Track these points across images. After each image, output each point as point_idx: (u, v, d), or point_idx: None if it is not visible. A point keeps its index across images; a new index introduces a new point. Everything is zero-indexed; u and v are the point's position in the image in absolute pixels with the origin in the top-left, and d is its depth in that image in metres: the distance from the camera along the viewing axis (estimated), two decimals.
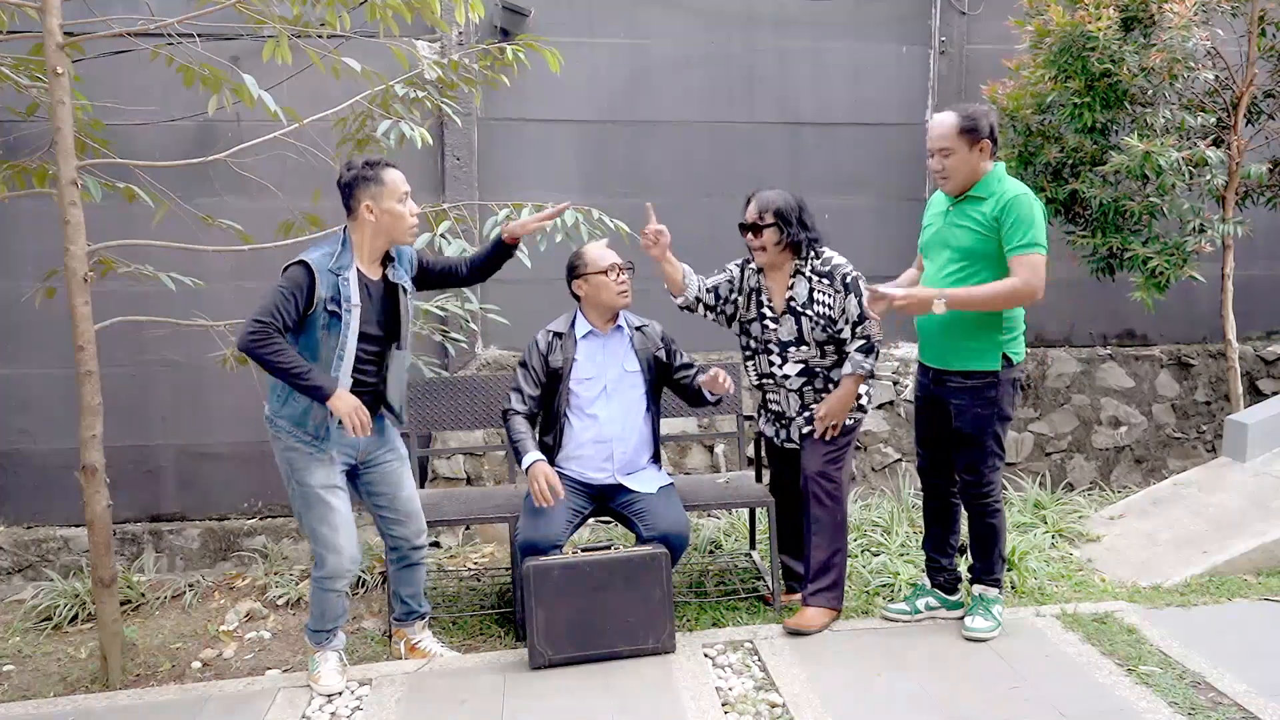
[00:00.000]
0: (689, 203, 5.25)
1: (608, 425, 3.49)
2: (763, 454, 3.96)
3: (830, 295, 3.41)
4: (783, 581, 3.79)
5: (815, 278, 3.43)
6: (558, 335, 3.55)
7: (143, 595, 4.14)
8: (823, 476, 3.48)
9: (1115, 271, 4.75)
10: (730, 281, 3.58)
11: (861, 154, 5.38)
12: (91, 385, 3.23)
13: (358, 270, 3.04)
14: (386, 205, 3.02)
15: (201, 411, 4.95)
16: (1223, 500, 4.41)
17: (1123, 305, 5.06)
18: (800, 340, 3.47)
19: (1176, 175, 4.23)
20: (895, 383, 5.36)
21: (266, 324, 2.87)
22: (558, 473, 3.49)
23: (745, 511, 4.44)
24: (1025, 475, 5.30)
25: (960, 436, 3.34)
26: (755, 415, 3.84)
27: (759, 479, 4.06)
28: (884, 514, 4.60)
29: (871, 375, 3.48)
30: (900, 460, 5.33)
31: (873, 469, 5.33)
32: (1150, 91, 4.39)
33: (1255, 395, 5.56)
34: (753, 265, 3.55)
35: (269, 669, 3.52)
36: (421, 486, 4.26)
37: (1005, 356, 3.25)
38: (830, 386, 3.51)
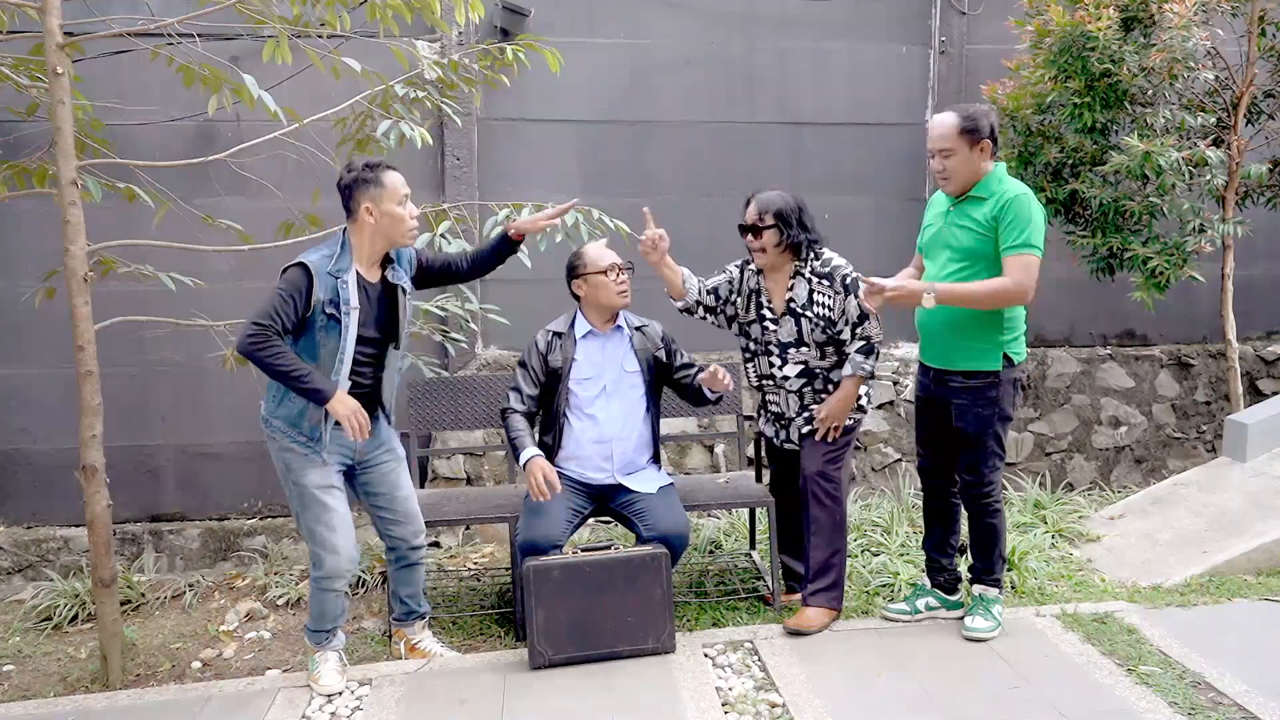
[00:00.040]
0: (689, 203, 5.25)
1: (607, 425, 3.49)
2: (763, 454, 3.96)
3: (830, 297, 3.41)
4: (783, 581, 3.79)
5: (815, 279, 3.43)
6: (557, 335, 3.55)
7: (143, 595, 4.14)
8: (822, 476, 3.48)
9: (1115, 271, 4.75)
10: (730, 282, 3.58)
11: (861, 154, 5.38)
12: (91, 385, 3.22)
13: (356, 272, 3.04)
14: (386, 208, 3.02)
15: (201, 411, 4.95)
16: (1223, 500, 4.41)
17: (1123, 305, 5.06)
18: (800, 341, 3.47)
19: (1176, 175, 4.23)
20: (895, 383, 5.36)
21: (265, 327, 2.87)
22: (557, 472, 3.49)
23: (745, 511, 4.44)
24: (1025, 475, 5.30)
25: (961, 436, 3.34)
26: (755, 415, 3.84)
27: (759, 479, 4.06)
28: (884, 514, 4.60)
29: (872, 376, 3.48)
30: (900, 460, 5.33)
31: (873, 469, 5.33)
32: (1150, 91, 4.39)
33: (1255, 395, 5.56)
34: (752, 266, 3.55)
35: (269, 669, 3.52)
36: (421, 486, 4.26)
37: (1006, 356, 3.25)
38: (830, 387, 3.51)
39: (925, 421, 3.51)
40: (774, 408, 3.63)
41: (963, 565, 3.64)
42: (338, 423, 2.99)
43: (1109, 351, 5.65)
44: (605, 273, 3.45)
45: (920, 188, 5.39)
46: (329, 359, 3.00)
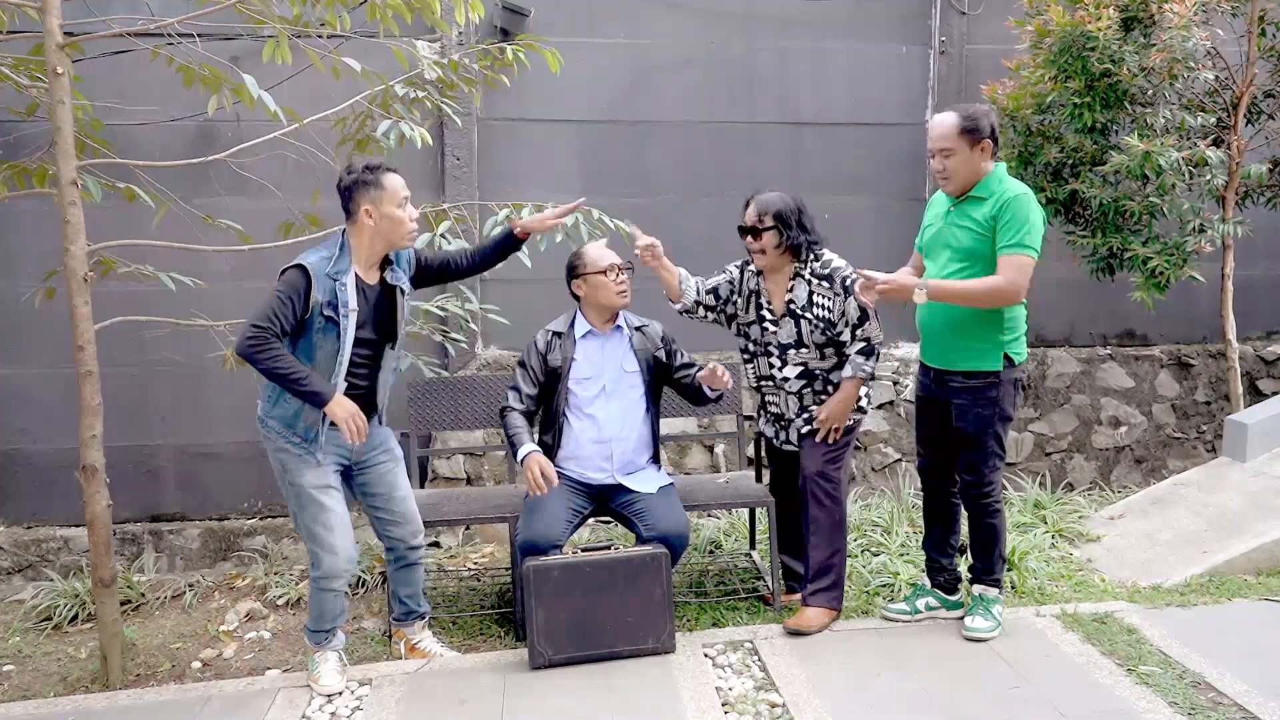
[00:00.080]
0: (689, 203, 5.25)
1: (607, 425, 3.49)
2: (763, 454, 3.96)
3: (830, 298, 3.41)
4: (783, 581, 3.79)
5: (815, 280, 3.43)
6: (557, 335, 3.56)
7: (143, 595, 4.14)
8: (822, 477, 3.47)
9: (1115, 271, 4.75)
10: (730, 283, 3.58)
11: (861, 154, 5.38)
12: (91, 385, 3.22)
13: (355, 274, 3.04)
14: (386, 210, 3.02)
15: (201, 411, 4.95)
16: (1223, 500, 4.41)
17: (1123, 305, 5.06)
18: (799, 343, 3.47)
19: (1176, 175, 4.23)
20: (895, 383, 5.36)
21: (264, 329, 2.87)
22: (557, 472, 3.50)
23: (745, 511, 4.44)
24: (1025, 475, 5.30)
25: (961, 436, 3.34)
26: (755, 415, 3.84)
27: (759, 479, 4.06)
28: (884, 514, 4.60)
29: (872, 378, 3.47)
30: (900, 460, 5.33)
31: (873, 469, 5.33)
32: (1150, 91, 4.39)
33: (1255, 395, 5.56)
34: (752, 267, 3.55)
35: (269, 669, 3.52)
36: (421, 486, 4.26)
37: (1007, 357, 3.25)
38: (830, 388, 3.51)
39: (925, 421, 3.51)
40: (773, 409, 3.63)
41: (963, 565, 3.64)
42: (334, 423, 2.99)
43: (1109, 351, 5.65)
44: (605, 273, 3.45)
45: (920, 188, 5.39)
46: (326, 361, 3.00)
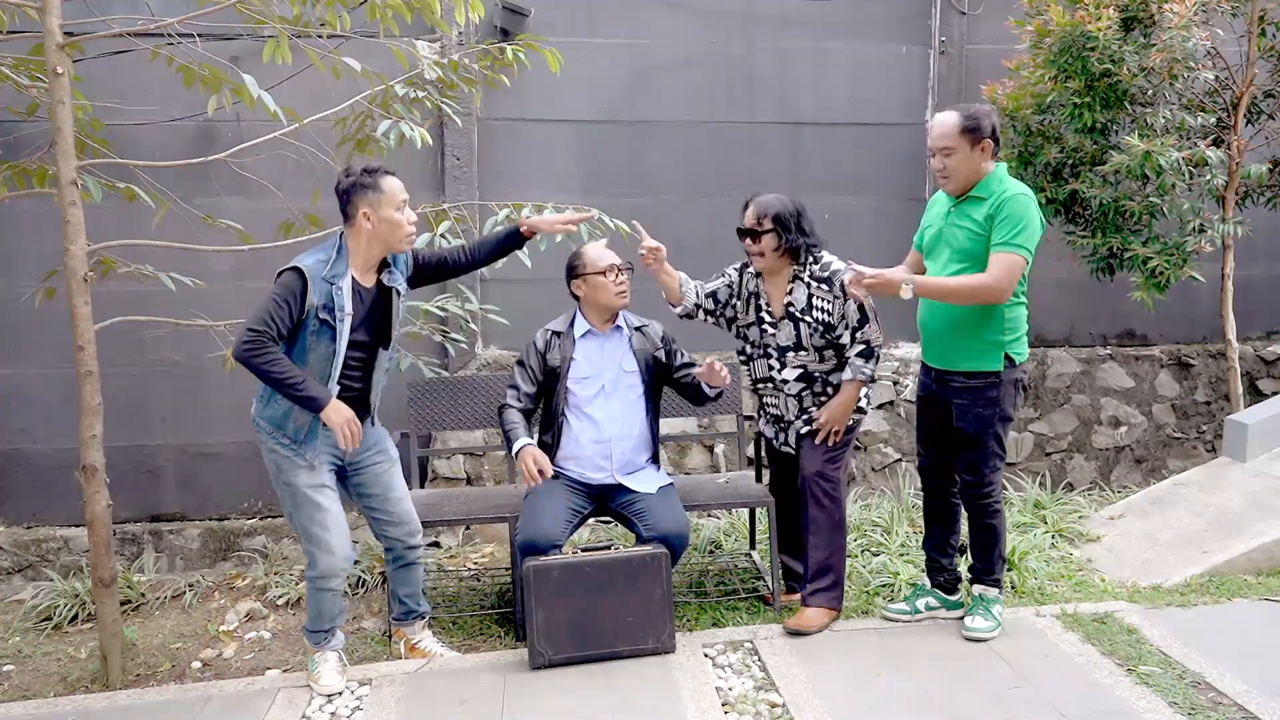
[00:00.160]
0: (689, 203, 5.25)
1: (606, 425, 3.49)
2: (763, 454, 3.96)
3: (829, 301, 3.41)
4: (783, 581, 3.79)
5: (814, 283, 3.43)
6: (556, 334, 3.56)
7: (143, 595, 4.14)
8: (821, 477, 3.47)
9: (1115, 271, 4.75)
10: (729, 285, 3.58)
11: (861, 154, 5.38)
12: (91, 385, 3.22)
13: (352, 277, 3.03)
14: (384, 213, 3.01)
15: (201, 411, 4.95)
16: (1223, 500, 4.41)
17: (1123, 305, 5.07)
18: (798, 345, 3.47)
19: (1176, 175, 4.23)
20: (895, 383, 5.36)
21: (261, 333, 2.87)
22: (557, 472, 3.50)
23: (745, 511, 4.44)
24: (1025, 475, 5.30)
25: (961, 436, 3.34)
26: (755, 415, 3.84)
27: (759, 479, 4.06)
28: (884, 514, 4.60)
29: (872, 380, 3.47)
30: (900, 460, 5.33)
31: (873, 469, 5.33)
32: (1150, 91, 4.39)
33: (1255, 395, 5.56)
34: (751, 269, 3.54)
35: (269, 669, 3.52)
36: (421, 486, 4.26)
37: (1008, 357, 3.24)
38: (829, 390, 3.51)
39: (926, 421, 3.51)
40: (772, 410, 3.62)
41: (963, 565, 3.64)
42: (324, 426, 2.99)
43: (1109, 351, 5.65)
44: (604, 273, 3.45)
45: (920, 188, 5.39)
46: (320, 364, 3.00)
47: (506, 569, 4.23)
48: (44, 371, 4.82)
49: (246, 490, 4.98)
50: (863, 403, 3.53)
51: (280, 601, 4.10)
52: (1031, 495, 4.92)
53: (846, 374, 3.43)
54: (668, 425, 4.81)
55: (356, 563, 4.22)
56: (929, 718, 2.88)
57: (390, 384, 3.40)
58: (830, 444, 3.48)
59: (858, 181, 5.39)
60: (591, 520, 3.72)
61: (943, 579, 3.57)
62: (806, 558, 3.53)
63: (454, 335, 4.50)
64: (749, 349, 3.60)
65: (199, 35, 3.77)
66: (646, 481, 3.52)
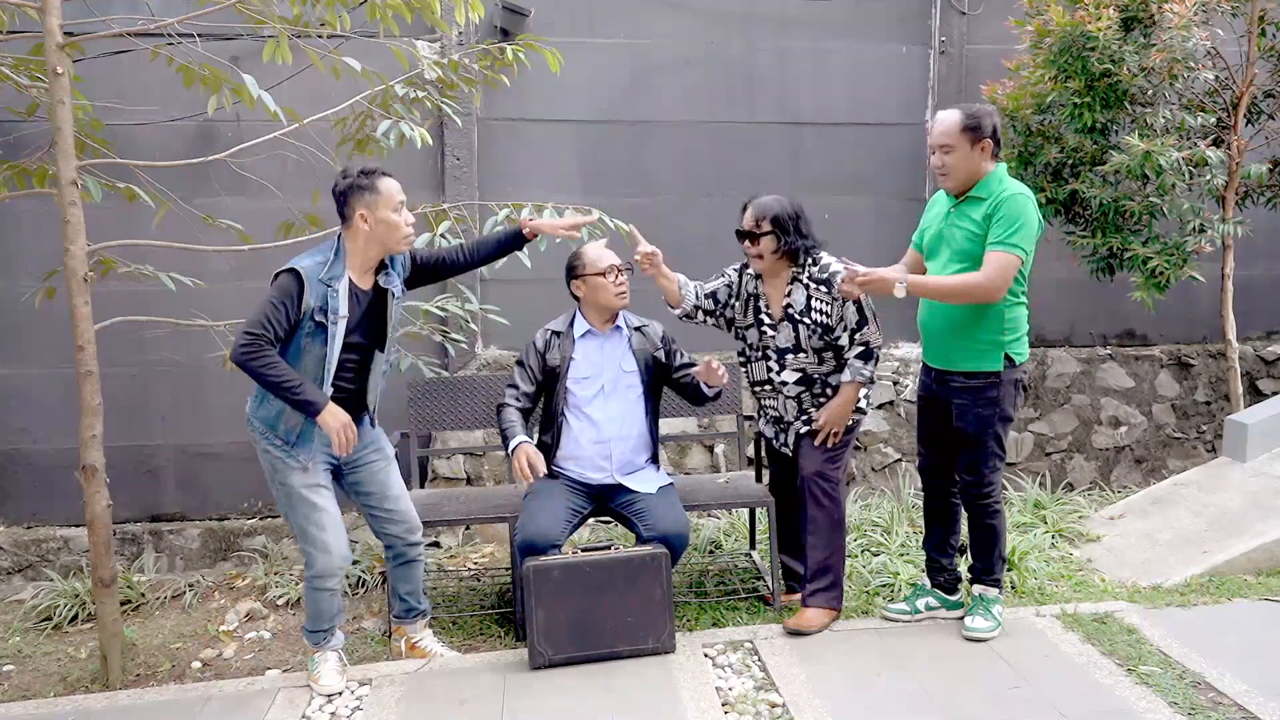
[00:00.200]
0: (689, 203, 5.25)
1: (606, 425, 3.49)
2: (763, 454, 3.96)
3: (828, 303, 3.40)
4: (783, 581, 3.79)
5: (813, 285, 3.42)
6: (556, 334, 3.56)
7: (143, 595, 4.15)
8: (820, 477, 3.47)
9: (1115, 271, 4.75)
10: (729, 286, 3.58)
11: (861, 154, 5.38)
12: (91, 385, 3.22)
13: (349, 279, 3.03)
14: (382, 214, 3.01)
15: (201, 411, 4.95)
16: (1223, 500, 4.41)
17: (1123, 305, 5.07)
18: (797, 347, 3.46)
19: (1176, 175, 4.23)
20: (895, 383, 5.36)
21: (258, 336, 2.86)
22: (557, 472, 3.50)
23: (745, 511, 4.44)
24: (1025, 475, 5.30)
25: (961, 436, 3.34)
26: (755, 415, 3.84)
27: (759, 479, 4.06)
28: (884, 514, 4.60)
29: (871, 382, 3.47)
30: (900, 460, 5.33)
31: (873, 469, 5.33)
32: (1150, 91, 4.39)
33: (1255, 395, 5.56)
34: (750, 270, 3.54)
35: (269, 669, 3.52)
36: (421, 486, 4.26)
37: (1008, 357, 3.24)
38: (828, 392, 3.50)
39: (926, 421, 3.51)
40: (772, 412, 3.62)
41: (963, 565, 3.64)
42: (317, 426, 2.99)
43: (1109, 351, 5.65)
44: (604, 274, 3.45)
45: (920, 188, 5.39)
46: (314, 366, 2.99)
47: (506, 569, 4.23)
48: (44, 371, 4.82)
49: (246, 490, 4.98)
50: (862, 403, 3.52)
51: (280, 601, 4.10)
52: (1031, 495, 4.92)
53: (845, 375, 3.43)
54: (668, 425, 4.81)
55: (356, 562, 4.23)
56: (929, 718, 2.88)
57: (390, 384, 3.40)
58: (829, 445, 3.48)
59: (858, 181, 5.39)
60: (591, 520, 3.72)
61: (943, 579, 3.57)
62: (806, 558, 3.53)
63: (454, 335, 4.51)
64: (748, 350, 3.60)
65: (199, 35, 3.77)
66: (646, 481, 3.52)
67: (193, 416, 4.96)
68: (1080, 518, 4.68)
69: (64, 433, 4.61)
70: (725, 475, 4.26)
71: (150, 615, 4.05)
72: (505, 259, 3.48)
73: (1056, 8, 4.37)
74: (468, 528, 4.86)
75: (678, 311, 3.60)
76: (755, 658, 3.29)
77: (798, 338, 3.45)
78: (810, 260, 3.44)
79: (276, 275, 2.97)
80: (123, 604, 3.93)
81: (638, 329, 3.60)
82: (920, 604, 3.56)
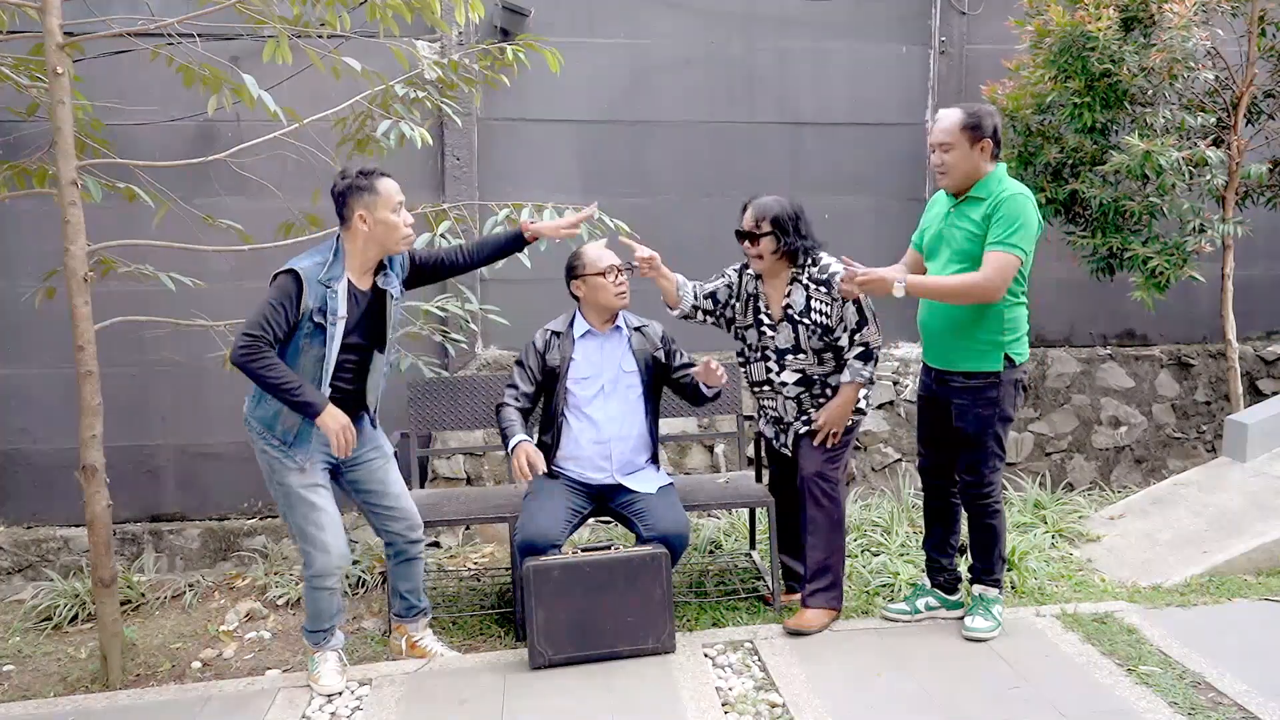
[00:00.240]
0: (689, 203, 5.25)
1: (606, 425, 3.49)
2: (763, 454, 3.96)
3: (827, 304, 3.40)
4: (783, 581, 3.79)
5: (812, 285, 3.42)
6: (556, 334, 3.56)
7: (143, 595, 4.15)
8: (820, 477, 3.47)
9: (1115, 271, 4.75)
10: (729, 286, 3.58)
11: (861, 154, 5.38)
12: (91, 385, 3.23)
13: (348, 280, 3.03)
14: (380, 215, 3.00)
15: (201, 411, 4.95)
16: (1223, 500, 4.41)
17: (1123, 305, 5.07)
18: (797, 348, 3.46)
19: (1176, 175, 4.23)
20: (895, 383, 5.36)
21: (257, 338, 2.86)
22: (557, 472, 3.50)
23: (745, 511, 4.44)
24: (1025, 475, 5.29)
25: (961, 436, 3.34)
26: (755, 415, 3.84)
27: (759, 479, 4.06)
28: (884, 514, 4.60)
29: (870, 383, 3.47)
30: (900, 460, 5.33)
31: (873, 469, 5.33)
32: (1150, 91, 4.39)
33: (1255, 395, 5.56)
34: (750, 271, 3.54)
35: (269, 669, 3.52)
36: (421, 486, 4.26)
37: (1008, 357, 3.24)
38: (828, 392, 3.50)
39: (926, 421, 3.51)
40: (771, 413, 3.62)
41: (963, 565, 3.64)
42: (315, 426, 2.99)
43: (1109, 351, 5.65)
44: (604, 274, 3.45)
45: (920, 188, 5.39)
46: (311, 366, 2.99)
47: (506, 569, 4.23)
48: (44, 371, 4.82)
49: (246, 490, 4.98)
50: (862, 404, 3.52)
51: (280, 601, 4.10)
52: (1031, 495, 4.92)
53: (845, 376, 3.43)
54: (668, 425, 4.81)
55: (356, 562, 4.23)
56: (929, 718, 2.88)
57: (390, 384, 3.40)
58: (829, 445, 3.48)
59: (858, 181, 5.39)
60: (591, 520, 3.72)
61: (943, 579, 3.57)
62: (806, 558, 3.53)
63: (454, 335, 4.51)
64: (747, 351, 3.60)
65: (199, 35, 3.77)
66: (646, 481, 3.52)
67: (193, 416, 4.96)
68: (1080, 518, 4.68)
69: (64, 433, 4.61)
70: (725, 475, 4.26)
71: (150, 615, 4.05)
72: (505, 259, 3.48)
73: (1056, 8, 4.37)
74: (468, 528, 4.86)
75: (676, 312, 3.60)
76: (755, 658, 3.29)
77: (797, 338, 3.45)
78: (810, 261, 3.44)
79: (275, 276, 2.96)
80: (123, 604, 3.93)
81: (637, 329, 3.60)
82: (920, 604, 3.56)
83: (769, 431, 3.69)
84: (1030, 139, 4.77)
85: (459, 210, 4.34)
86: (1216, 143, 4.47)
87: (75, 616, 3.98)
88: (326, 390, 3.01)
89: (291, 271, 2.94)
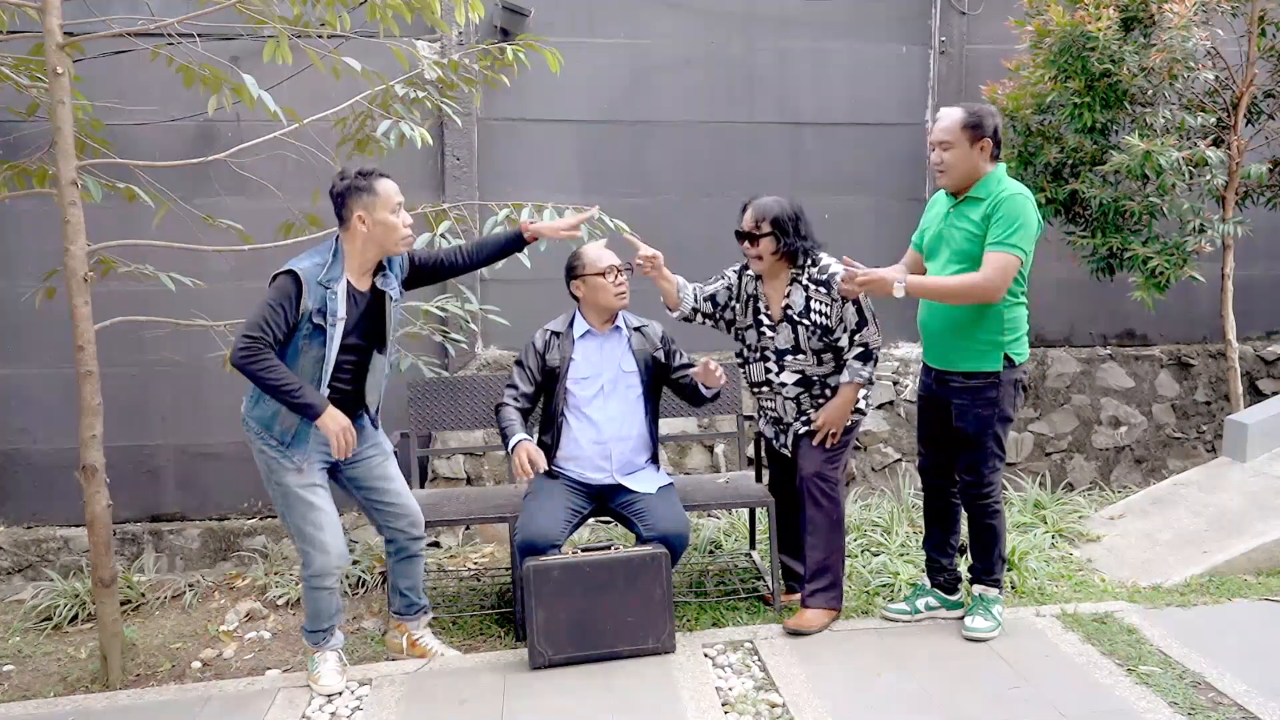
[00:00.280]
0: (689, 203, 5.25)
1: (605, 425, 3.49)
2: (762, 454, 3.96)
3: (827, 305, 3.40)
4: (783, 581, 3.79)
5: (812, 286, 3.42)
6: (555, 334, 3.56)
7: (143, 595, 4.15)
8: (819, 477, 3.47)
9: (1115, 271, 4.75)
10: (728, 288, 3.58)
11: (861, 154, 5.38)
12: (91, 385, 3.23)
13: (347, 281, 3.03)
14: (379, 216, 3.00)
15: (201, 411, 4.95)
16: (1223, 500, 4.41)
17: (1123, 305, 5.07)
18: (796, 348, 3.46)
19: (1176, 175, 4.23)
20: (895, 383, 5.36)
21: (257, 339, 2.86)
22: (557, 472, 3.50)
23: (745, 511, 4.44)
24: (1025, 475, 5.29)
25: (961, 436, 3.34)
26: (755, 415, 3.84)
27: (759, 479, 4.06)
28: (884, 514, 4.60)
29: (870, 383, 3.47)
30: (900, 460, 5.33)
31: (873, 469, 5.33)
32: (1150, 91, 4.39)
33: (1255, 395, 5.56)
34: (750, 271, 3.54)
35: (269, 669, 3.52)
36: (421, 486, 4.26)
37: (1008, 357, 3.24)
38: (827, 393, 3.50)
39: (926, 421, 3.51)
40: (771, 413, 3.62)
41: (963, 565, 3.64)
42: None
43: (1109, 351, 5.65)
44: (603, 274, 3.45)
45: (920, 188, 5.39)
46: (311, 367, 2.99)
47: (506, 569, 4.23)
48: (44, 371, 4.82)
49: (246, 490, 4.98)
50: (861, 404, 3.52)
51: (280, 601, 4.10)
52: (1031, 495, 4.92)
53: (844, 376, 3.43)
54: (668, 425, 4.81)
55: (356, 562, 4.23)
56: (929, 718, 2.88)
57: (390, 384, 3.39)
58: (828, 445, 3.48)
59: (858, 181, 5.39)
60: (591, 520, 3.72)
61: (943, 579, 3.57)
62: (805, 558, 3.53)
63: (454, 335, 4.51)
64: (746, 352, 3.60)
65: (199, 35, 3.77)
66: (646, 481, 3.52)
67: (193, 416, 4.96)
68: (1080, 518, 4.68)
69: (64, 433, 4.61)
70: (725, 475, 4.26)
71: (150, 615, 4.05)
72: (505, 260, 3.48)
73: (1056, 8, 4.37)
74: (468, 528, 4.86)
75: (676, 314, 3.60)
76: (755, 658, 3.29)
77: (797, 339, 3.45)
78: (809, 261, 3.44)
79: (274, 277, 2.96)
80: (123, 604, 3.93)
81: (637, 329, 3.60)
82: (920, 604, 3.56)
83: (769, 432, 3.69)
84: (1030, 139, 4.77)
85: (459, 210, 4.34)
86: (1216, 143, 4.47)
87: (75, 616, 3.98)
88: (325, 391, 3.01)
89: (290, 272, 2.93)
